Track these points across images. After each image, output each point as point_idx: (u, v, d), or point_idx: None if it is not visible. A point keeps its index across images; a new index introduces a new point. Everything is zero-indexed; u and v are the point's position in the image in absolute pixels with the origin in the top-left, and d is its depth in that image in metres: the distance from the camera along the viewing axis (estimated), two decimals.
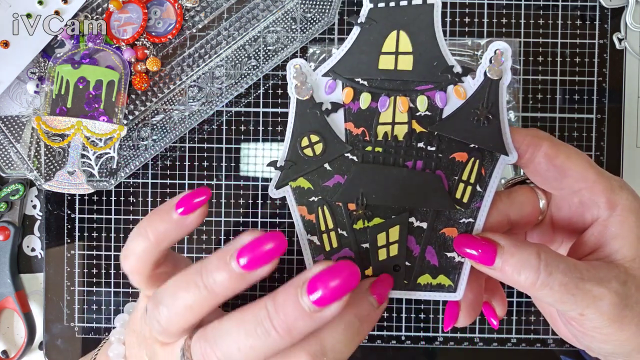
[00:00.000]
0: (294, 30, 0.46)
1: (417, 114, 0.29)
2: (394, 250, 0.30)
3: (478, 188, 0.29)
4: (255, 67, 0.46)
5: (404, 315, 0.47)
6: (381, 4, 0.29)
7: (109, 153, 0.46)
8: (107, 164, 0.46)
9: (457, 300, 0.30)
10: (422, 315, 0.47)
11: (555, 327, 0.34)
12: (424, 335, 0.47)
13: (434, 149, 0.29)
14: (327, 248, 0.30)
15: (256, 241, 0.26)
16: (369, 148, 0.29)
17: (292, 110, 0.29)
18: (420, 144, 0.29)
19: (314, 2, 0.45)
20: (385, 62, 0.29)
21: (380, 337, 0.47)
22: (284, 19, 0.46)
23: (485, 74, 0.29)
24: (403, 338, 0.47)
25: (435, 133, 0.29)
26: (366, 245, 0.30)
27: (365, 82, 0.29)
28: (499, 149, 0.29)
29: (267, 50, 0.46)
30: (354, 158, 0.29)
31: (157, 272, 0.30)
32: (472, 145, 0.29)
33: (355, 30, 0.29)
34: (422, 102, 0.29)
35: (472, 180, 0.29)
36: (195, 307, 0.26)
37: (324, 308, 0.25)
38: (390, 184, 0.29)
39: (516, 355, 0.47)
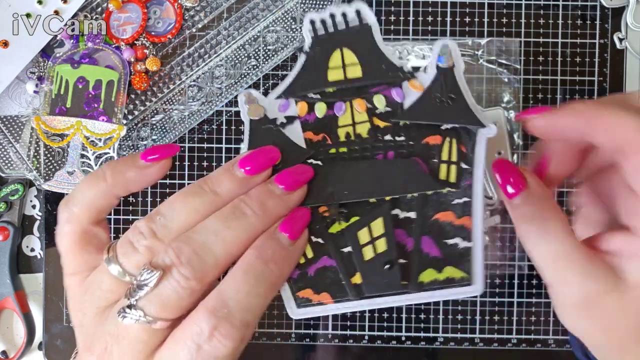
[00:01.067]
0: (294, 29, 0.46)
1: (377, 111, 0.29)
2: (381, 245, 0.27)
3: (463, 165, 0.28)
4: (255, 66, 0.46)
5: (404, 315, 0.47)
6: (321, 33, 0.30)
7: (109, 153, 0.46)
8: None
9: (476, 295, 0.27)
10: (422, 316, 0.47)
11: None
12: (424, 336, 0.47)
13: (402, 138, 0.28)
14: (302, 261, 0.28)
15: (255, 152, 0.28)
16: (333, 150, 0.29)
17: (246, 132, 0.29)
18: (387, 137, 0.29)
19: (314, 2, 0.45)
20: (334, 75, 0.29)
21: (380, 338, 0.47)
22: (284, 18, 0.46)
23: (437, 66, 0.29)
24: (403, 338, 0.47)
25: (401, 123, 0.28)
26: (348, 249, 0.28)
27: (318, 95, 0.29)
28: (473, 122, 0.28)
29: (267, 50, 0.46)
30: (319, 162, 0.29)
31: (92, 231, 0.29)
32: (443, 127, 0.28)
33: (301, 58, 0.30)
34: (379, 100, 0.29)
35: (453, 159, 0.28)
36: (201, 209, 0.27)
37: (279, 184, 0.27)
38: (363, 177, 0.28)
39: (517, 355, 0.47)
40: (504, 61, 0.46)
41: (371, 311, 0.47)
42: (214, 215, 0.26)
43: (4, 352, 0.49)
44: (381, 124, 0.29)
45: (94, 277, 0.28)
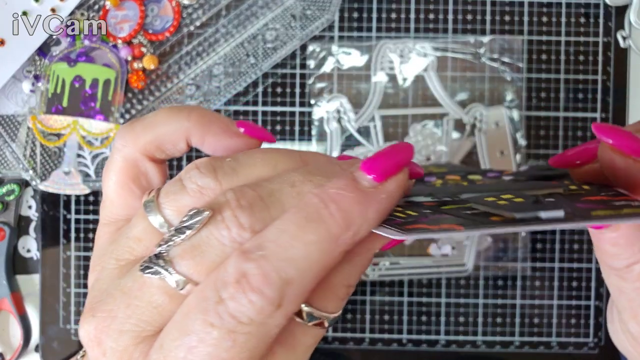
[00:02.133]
0: (294, 27, 0.45)
1: (470, 177, 0.27)
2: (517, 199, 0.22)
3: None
4: (254, 65, 0.45)
5: (405, 317, 0.46)
6: None
7: (105, 153, 0.45)
8: (103, 163, 0.45)
9: None
10: (423, 318, 0.46)
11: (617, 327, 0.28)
12: (426, 338, 0.46)
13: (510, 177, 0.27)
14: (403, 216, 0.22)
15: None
16: (439, 182, 0.26)
17: None
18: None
19: (314, 0, 0.45)
20: None
21: (381, 340, 0.46)
22: (283, 16, 0.45)
23: None
24: (404, 340, 0.46)
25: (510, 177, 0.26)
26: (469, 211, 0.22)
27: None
28: None
29: (266, 48, 0.45)
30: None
31: (145, 167, 0.24)
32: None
33: None
34: (474, 176, 0.28)
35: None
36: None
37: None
38: (481, 187, 0.25)
39: (519, 358, 0.46)
40: (506, 59, 0.46)
41: (372, 313, 0.46)
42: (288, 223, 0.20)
43: (0, 354, 0.48)
44: (476, 178, 0.27)
45: (127, 225, 0.22)
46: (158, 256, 0.20)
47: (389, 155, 0.20)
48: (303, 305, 0.21)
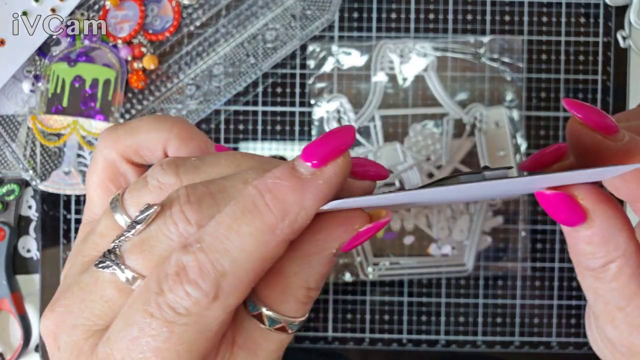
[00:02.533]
0: (294, 27, 0.45)
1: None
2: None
3: None
4: (254, 65, 0.45)
5: (405, 317, 0.46)
6: None
7: None
8: None
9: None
10: (423, 318, 0.46)
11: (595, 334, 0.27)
12: (426, 338, 0.46)
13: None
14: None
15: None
16: None
17: None
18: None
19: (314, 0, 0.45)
20: None
21: (381, 340, 0.46)
22: (283, 16, 0.45)
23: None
24: (404, 340, 0.46)
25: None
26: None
27: None
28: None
29: (266, 48, 0.45)
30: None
31: (122, 168, 0.25)
32: None
33: None
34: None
35: None
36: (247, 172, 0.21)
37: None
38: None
39: (519, 358, 0.46)
40: (507, 59, 0.46)
41: (372, 313, 0.46)
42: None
43: (0, 355, 0.48)
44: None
45: (97, 222, 0.23)
46: (111, 251, 0.21)
47: (327, 140, 0.20)
48: (264, 309, 0.21)
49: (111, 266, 0.20)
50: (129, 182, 0.25)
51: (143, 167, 0.26)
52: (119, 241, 0.21)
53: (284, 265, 0.21)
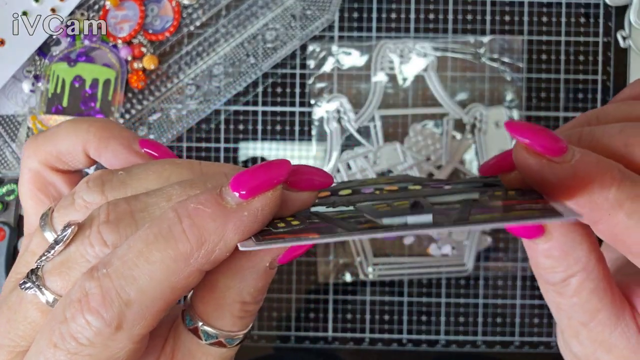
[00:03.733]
0: (294, 27, 0.45)
1: (410, 186, 0.25)
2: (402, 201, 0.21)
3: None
4: (254, 65, 0.45)
5: (405, 317, 0.46)
6: None
7: None
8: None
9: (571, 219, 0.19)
10: (423, 317, 0.46)
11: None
12: (426, 338, 0.46)
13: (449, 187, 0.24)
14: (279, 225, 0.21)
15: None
16: (345, 192, 0.24)
17: None
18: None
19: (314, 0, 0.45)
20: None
21: (381, 340, 0.46)
22: (283, 16, 0.45)
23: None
24: (404, 340, 0.46)
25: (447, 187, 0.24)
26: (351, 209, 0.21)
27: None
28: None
29: (266, 48, 0.45)
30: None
31: (49, 178, 0.24)
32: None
33: None
34: (414, 186, 0.25)
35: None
36: (174, 187, 0.20)
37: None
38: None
39: (519, 358, 0.46)
40: (507, 59, 0.46)
41: (372, 313, 0.46)
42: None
43: None
44: (416, 187, 0.25)
45: (29, 237, 0.22)
46: (33, 271, 0.20)
47: (260, 171, 0.19)
48: (200, 323, 0.20)
49: (32, 287, 0.20)
50: (59, 191, 0.24)
51: (72, 174, 0.25)
52: (41, 261, 0.20)
53: (217, 280, 0.20)
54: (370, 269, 0.46)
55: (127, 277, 0.18)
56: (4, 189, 0.47)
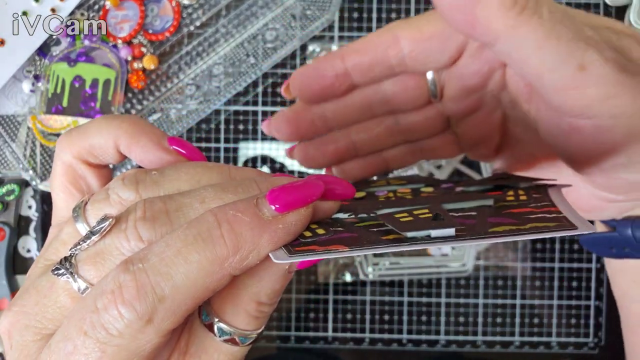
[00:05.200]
0: (294, 27, 0.45)
1: (422, 188, 0.27)
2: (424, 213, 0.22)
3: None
4: (254, 65, 0.45)
5: (405, 317, 0.46)
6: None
7: None
8: None
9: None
10: (424, 318, 0.46)
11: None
12: (426, 338, 0.46)
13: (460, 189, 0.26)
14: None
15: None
16: (390, 195, 0.25)
17: None
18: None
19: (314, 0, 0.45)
20: None
21: (381, 340, 0.46)
22: (283, 16, 0.45)
23: None
24: (404, 341, 0.46)
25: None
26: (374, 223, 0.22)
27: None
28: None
29: (265, 48, 0.45)
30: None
31: (80, 171, 0.25)
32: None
33: None
34: (427, 189, 0.27)
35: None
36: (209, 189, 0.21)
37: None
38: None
39: (519, 358, 0.46)
40: None
41: (372, 313, 0.46)
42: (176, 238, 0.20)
43: (0, 355, 0.48)
44: (428, 190, 0.26)
45: (61, 228, 0.23)
46: (67, 259, 0.21)
47: (296, 190, 0.20)
48: (215, 319, 0.21)
49: (65, 274, 0.20)
50: (89, 185, 0.25)
51: (102, 168, 0.26)
52: (76, 250, 0.21)
53: (236, 278, 0.20)
54: (370, 269, 0.46)
55: (164, 273, 0.18)
56: (4, 189, 0.47)
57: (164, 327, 0.19)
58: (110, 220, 0.20)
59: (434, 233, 0.20)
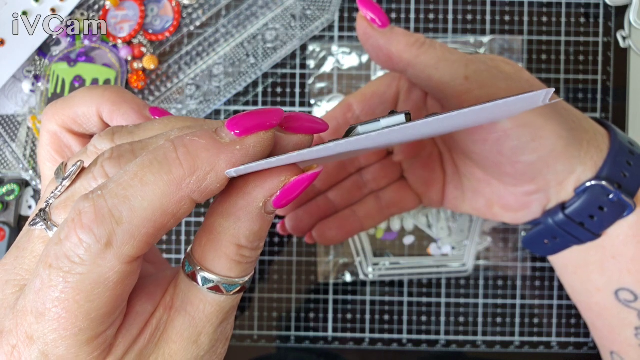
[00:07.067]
0: (294, 27, 0.45)
1: None
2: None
3: None
4: (254, 65, 0.45)
5: (405, 317, 0.46)
6: None
7: None
8: None
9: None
10: (423, 318, 0.46)
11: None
12: (426, 338, 0.46)
13: None
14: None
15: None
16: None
17: None
18: None
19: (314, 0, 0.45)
20: None
21: (381, 340, 0.46)
22: (283, 16, 0.45)
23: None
24: (404, 341, 0.46)
25: None
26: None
27: None
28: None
29: (266, 48, 0.45)
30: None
31: (65, 139, 0.26)
32: None
33: None
34: None
35: None
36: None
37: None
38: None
39: (519, 358, 0.46)
40: None
41: (372, 313, 0.46)
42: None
43: None
44: None
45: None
46: (42, 210, 0.21)
47: (255, 115, 0.20)
48: (198, 268, 0.21)
49: (39, 222, 0.21)
50: (74, 153, 0.26)
51: (87, 137, 0.26)
52: (49, 199, 0.21)
53: (214, 221, 0.21)
54: (370, 269, 0.46)
55: (120, 196, 0.19)
56: (4, 189, 0.47)
57: (125, 252, 0.19)
58: (78, 163, 0.21)
59: (384, 121, 0.21)
